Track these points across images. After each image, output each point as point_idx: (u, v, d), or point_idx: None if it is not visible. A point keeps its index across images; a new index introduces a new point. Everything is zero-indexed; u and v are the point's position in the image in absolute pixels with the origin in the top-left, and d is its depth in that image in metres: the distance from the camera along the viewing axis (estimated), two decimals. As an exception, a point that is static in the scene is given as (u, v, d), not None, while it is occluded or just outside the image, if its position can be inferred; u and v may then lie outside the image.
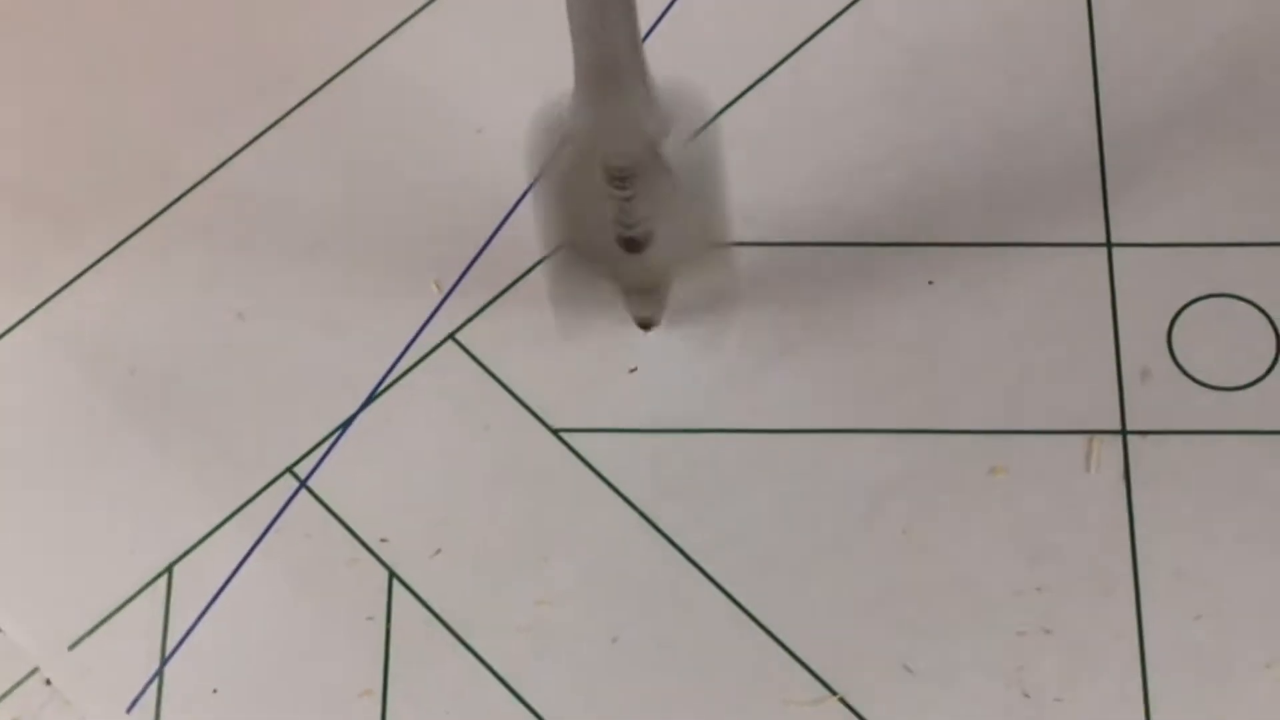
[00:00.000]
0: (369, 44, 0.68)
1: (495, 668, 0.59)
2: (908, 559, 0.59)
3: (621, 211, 0.56)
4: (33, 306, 0.64)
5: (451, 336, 0.63)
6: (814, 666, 0.58)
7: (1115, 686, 0.57)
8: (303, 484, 0.61)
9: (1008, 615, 0.58)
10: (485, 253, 0.64)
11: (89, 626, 0.60)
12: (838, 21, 0.68)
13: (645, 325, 0.62)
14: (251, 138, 0.67)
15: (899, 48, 0.67)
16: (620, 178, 0.54)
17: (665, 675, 0.58)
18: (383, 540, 0.60)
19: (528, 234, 0.64)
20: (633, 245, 0.58)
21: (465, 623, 0.59)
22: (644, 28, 0.53)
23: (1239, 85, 0.66)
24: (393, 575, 0.60)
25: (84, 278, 0.65)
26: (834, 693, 0.58)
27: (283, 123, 0.67)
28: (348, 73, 0.68)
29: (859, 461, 0.61)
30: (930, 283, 0.63)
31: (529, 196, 0.65)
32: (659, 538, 0.60)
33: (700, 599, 0.59)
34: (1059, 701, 0.57)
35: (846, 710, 0.57)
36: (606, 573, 0.60)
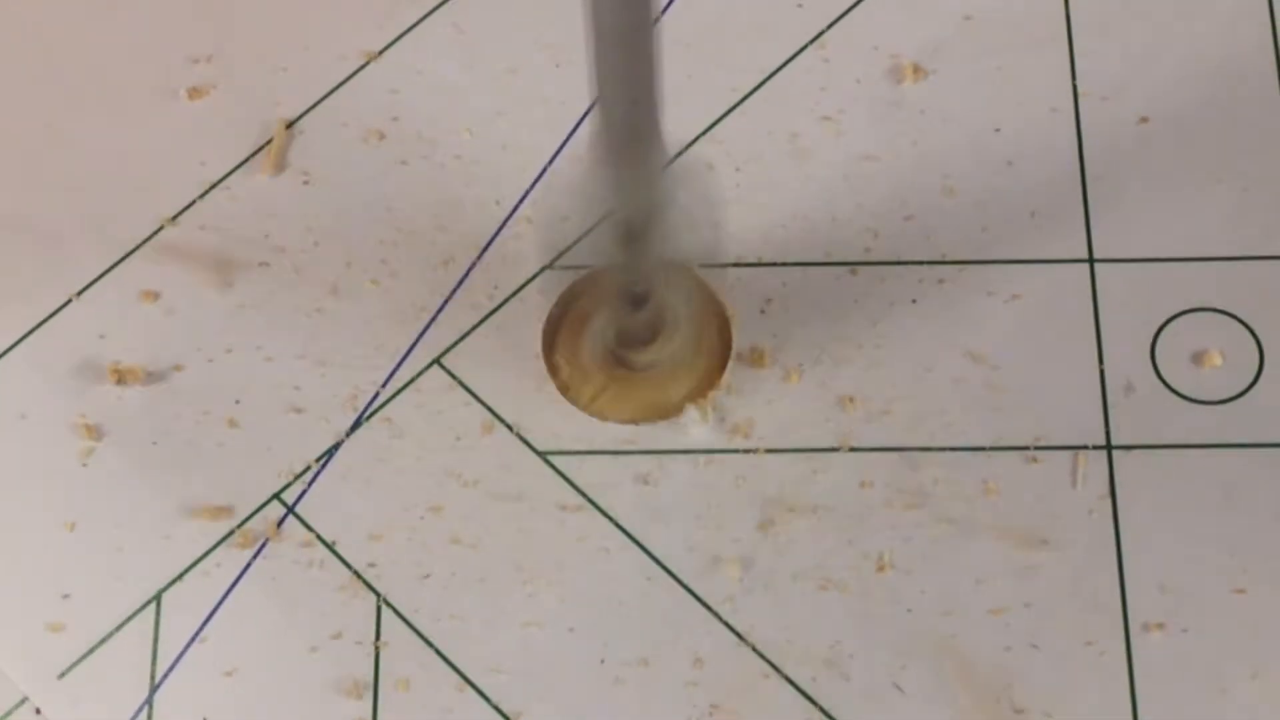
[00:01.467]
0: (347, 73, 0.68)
1: (485, 691, 0.59)
2: (895, 578, 0.59)
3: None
4: (22, 332, 0.64)
5: (437, 361, 0.63)
6: (804, 687, 0.58)
7: (1103, 700, 0.58)
8: (290, 510, 0.61)
9: (995, 632, 0.59)
10: (469, 277, 0.64)
11: (78, 655, 0.60)
12: (822, 38, 0.68)
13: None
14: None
15: (883, 67, 0.67)
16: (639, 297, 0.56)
17: (654, 697, 0.58)
18: (370, 565, 0.61)
19: (512, 256, 0.64)
20: (637, 301, 0.59)
21: (454, 647, 0.59)
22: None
23: (1219, 100, 0.66)
24: (381, 600, 0.60)
25: (72, 304, 0.65)
26: (823, 711, 0.58)
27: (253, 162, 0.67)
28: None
29: (844, 480, 0.61)
30: (914, 301, 0.63)
31: (512, 219, 0.65)
32: (647, 560, 0.60)
33: (689, 621, 0.59)
34: (1049, 716, 0.58)
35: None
36: (594, 595, 0.60)
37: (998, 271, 0.64)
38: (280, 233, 0.65)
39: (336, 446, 0.62)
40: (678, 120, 0.66)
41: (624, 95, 0.49)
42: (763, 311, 0.63)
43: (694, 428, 0.62)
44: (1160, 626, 0.59)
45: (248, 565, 0.61)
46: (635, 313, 0.60)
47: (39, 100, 0.68)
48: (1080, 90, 0.66)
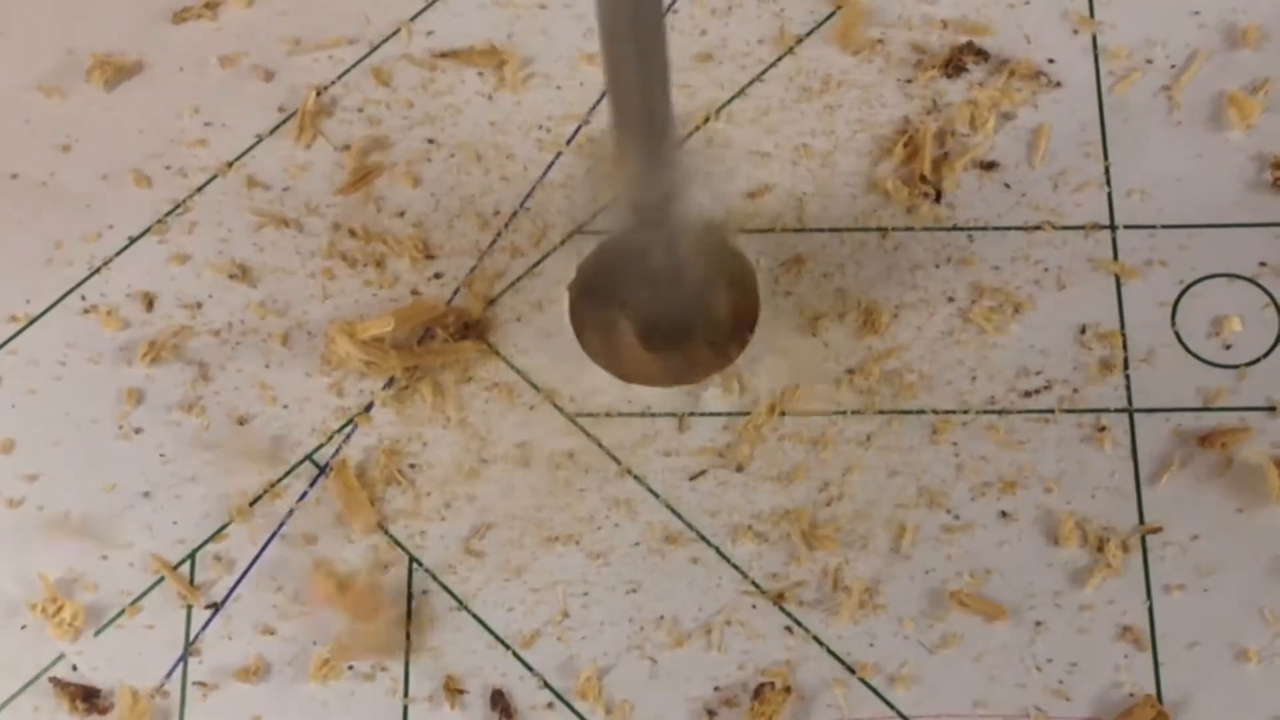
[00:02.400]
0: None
1: (513, 646, 0.60)
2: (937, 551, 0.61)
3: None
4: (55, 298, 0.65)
5: (467, 325, 0.64)
6: (838, 651, 0.59)
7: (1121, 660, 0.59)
8: (322, 471, 0.62)
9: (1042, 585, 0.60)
10: (500, 238, 0.65)
11: (113, 613, 0.61)
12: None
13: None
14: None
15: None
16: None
17: (679, 660, 0.59)
18: (404, 524, 0.61)
19: (543, 220, 0.65)
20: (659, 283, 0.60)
21: (484, 604, 0.60)
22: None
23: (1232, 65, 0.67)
24: (413, 560, 0.61)
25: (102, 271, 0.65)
26: (854, 673, 0.59)
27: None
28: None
29: (882, 450, 0.62)
30: (936, 267, 0.64)
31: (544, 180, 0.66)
32: (675, 519, 0.61)
33: (714, 581, 0.60)
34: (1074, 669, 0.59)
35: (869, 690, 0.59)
36: (622, 555, 0.61)
37: (1018, 238, 0.64)
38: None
39: (369, 408, 0.63)
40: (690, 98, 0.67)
41: (636, 85, 0.50)
42: (780, 279, 0.64)
43: (717, 394, 0.62)
44: (1183, 580, 0.60)
45: (280, 525, 0.61)
46: (658, 297, 0.61)
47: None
48: (1100, 60, 0.67)
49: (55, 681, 0.60)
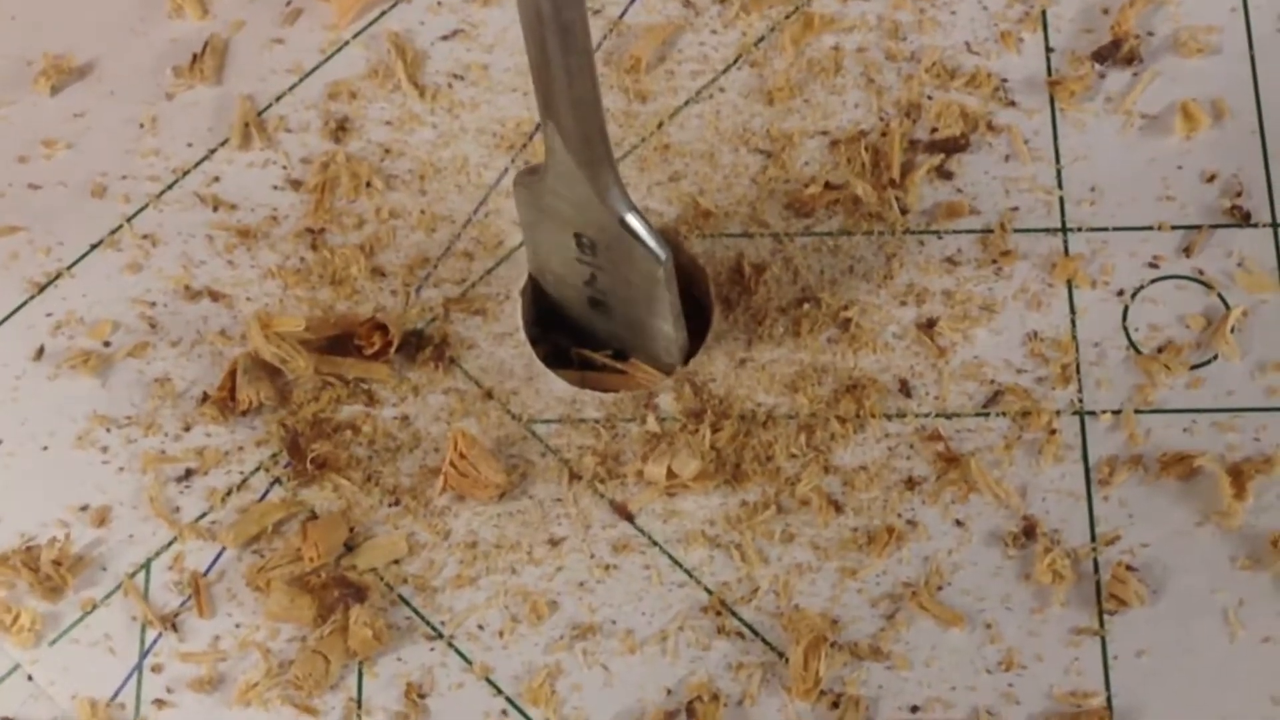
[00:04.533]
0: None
1: (460, 648, 0.60)
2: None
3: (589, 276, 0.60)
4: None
5: (423, 332, 0.64)
6: (766, 636, 0.59)
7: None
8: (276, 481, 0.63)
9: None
10: (454, 246, 0.66)
11: (69, 623, 0.61)
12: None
13: None
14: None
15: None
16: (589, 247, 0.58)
17: (629, 665, 0.59)
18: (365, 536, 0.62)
19: (493, 229, 0.66)
20: (595, 304, 0.62)
21: (430, 608, 0.61)
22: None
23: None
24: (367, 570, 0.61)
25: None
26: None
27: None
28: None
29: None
30: (890, 270, 0.64)
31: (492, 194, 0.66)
32: (629, 528, 0.61)
33: (667, 590, 0.61)
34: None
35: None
36: (578, 562, 0.61)
37: (966, 240, 0.65)
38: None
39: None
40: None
41: (571, 119, 0.50)
42: (737, 281, 0.65)
43: (670, 399, 0.63)
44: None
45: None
46: (598, 314, 0.63)
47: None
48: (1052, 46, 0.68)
49: (7, 721, 0.60)
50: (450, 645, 0.60)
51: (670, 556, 0.61)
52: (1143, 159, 0.66)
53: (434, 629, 0.60)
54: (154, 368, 0.64)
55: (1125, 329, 0.63)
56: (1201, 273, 0.64)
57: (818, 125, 0.67)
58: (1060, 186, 0.66)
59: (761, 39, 0.68)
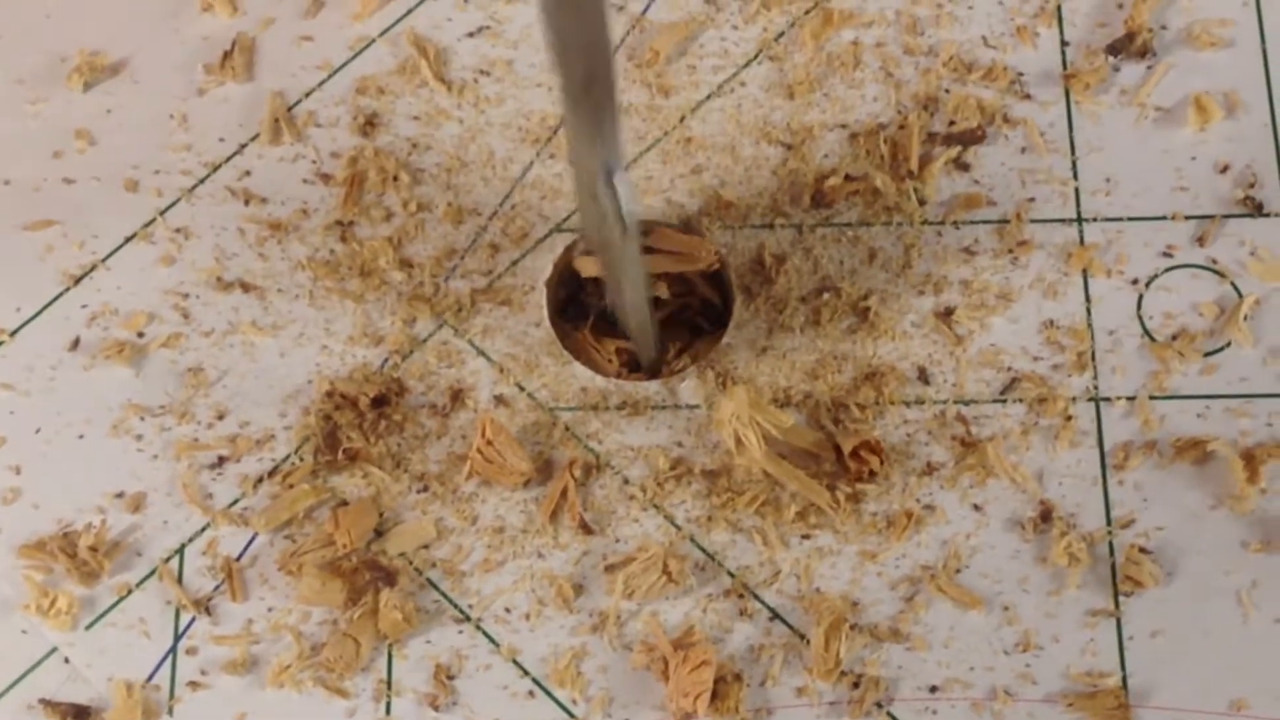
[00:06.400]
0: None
1: (492, 635, 0.61)
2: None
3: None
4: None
5: (446, 322, 0.65)
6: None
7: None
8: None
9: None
10: (481, 237, 0.67)
11: (104, 607, 0.62)
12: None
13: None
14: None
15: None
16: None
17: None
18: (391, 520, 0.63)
19: (521, 219, 0.67)
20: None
21: (461, 590, 0.62)
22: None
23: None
24: (392, 556, 0.62)
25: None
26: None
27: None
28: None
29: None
30: (908, 260, 0.65)
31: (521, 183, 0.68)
32: (656, 514, 0.62)
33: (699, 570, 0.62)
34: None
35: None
36: (602, 542, 0.62)
37: (984, 230, 0.66)
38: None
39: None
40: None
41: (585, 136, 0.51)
42: (759, 271, 0.66)
43: (693, 386, 0.64)
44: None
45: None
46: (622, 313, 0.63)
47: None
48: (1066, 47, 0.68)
49: (45, 703, 0.61)
50: (478, 628, 0.61)
51: (693, 541, 0.62)
52: (1157, 150, 0.67)
53: (462, 612, 0.61)
54: (187, 358, 0.65)
55: (1140, 317, 0.64)
56: (1215, 262, 0.65)
57: (837, 118, 0.68)
58: (1076, 177, 0.67)
59: (781, 34, 0.69)
